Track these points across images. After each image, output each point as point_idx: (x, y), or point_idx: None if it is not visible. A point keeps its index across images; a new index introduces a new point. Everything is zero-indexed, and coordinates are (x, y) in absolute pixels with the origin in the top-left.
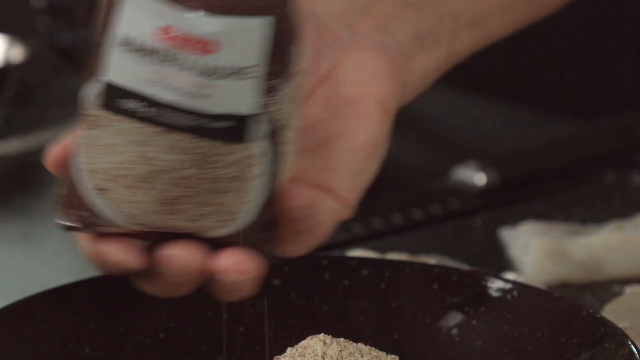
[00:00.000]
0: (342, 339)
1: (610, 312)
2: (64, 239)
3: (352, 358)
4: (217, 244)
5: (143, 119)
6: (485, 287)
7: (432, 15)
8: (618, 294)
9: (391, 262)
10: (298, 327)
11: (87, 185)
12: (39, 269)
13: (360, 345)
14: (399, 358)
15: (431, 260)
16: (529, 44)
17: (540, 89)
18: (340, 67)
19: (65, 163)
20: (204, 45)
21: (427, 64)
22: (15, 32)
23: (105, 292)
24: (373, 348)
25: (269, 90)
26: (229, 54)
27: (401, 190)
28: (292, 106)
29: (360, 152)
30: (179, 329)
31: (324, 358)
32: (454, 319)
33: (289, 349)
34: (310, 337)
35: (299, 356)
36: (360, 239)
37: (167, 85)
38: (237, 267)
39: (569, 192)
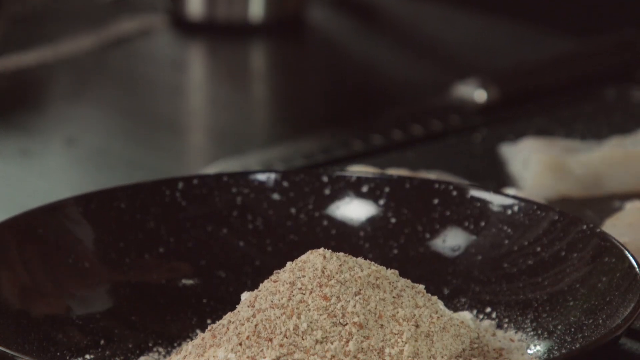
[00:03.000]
0: (341, 254)
1: (611, 226)
2: (63, 154)
3: (351, 272)
4: None
5: None
6: (486, 202)
7: None
8: (618, 209)
9: (391, 178)
10: (298, 242)
11: None
12: (39, 184)
13: (360, 260)
14: (398, 273)
15: (431, 176)
16: None
17: (541, 5)
18: None
19: None
20: None
21: None
22: None
23: (105, 207)
24: (373, 262)
25: None
26: None
27: (401, 107)
28: None
29: None
30: (179, 244)
31: (323, 272)
32: (454, 234)
33: (288, 263)
34: (310, 251)
35: (299, 270)
36: (360, 155)
37: None
38: None
39: (570, 108)
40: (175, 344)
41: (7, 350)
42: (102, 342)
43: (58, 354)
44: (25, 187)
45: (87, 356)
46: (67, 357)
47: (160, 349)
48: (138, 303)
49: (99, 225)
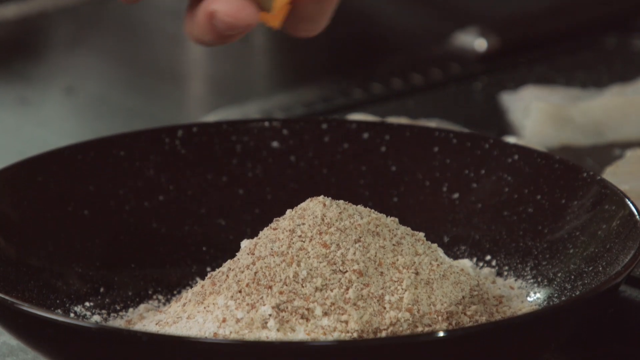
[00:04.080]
0: (341, 201)
1: (611, 174)
2: (62, 103)
3: (351, 220)
4: None
5: None
6: (486, 150)
7: None
8: (618, 157)
9: (391, 125)
10: (297, 190)
11: None
12: (37, 132)
13: (360, 207)
14: (398, 220)
15: (431, 124)
16: None
17: None
18: None
19: None
20: None
21: None
22: None
23: (104, 155)
24: (372, 210)
25: None
26: None
27: (401, 55)
28: None
29: None
30: (178, 192)
31: (323, 220)
32: (454, 181)
33: (288, 211)
34: (309, 199)
35: (299, 218)
36: (360, 104)
37: None
38: (230, 10)
39: (570, 56)
40: (175, 292)
41: (7, 298)
42: (101, 289)
43: (57, 301)
44: (23, 135)
45: (87, 304)
46: (67, 305)
47: (160, 297)
48: (137, 251)
49: (98, 173)
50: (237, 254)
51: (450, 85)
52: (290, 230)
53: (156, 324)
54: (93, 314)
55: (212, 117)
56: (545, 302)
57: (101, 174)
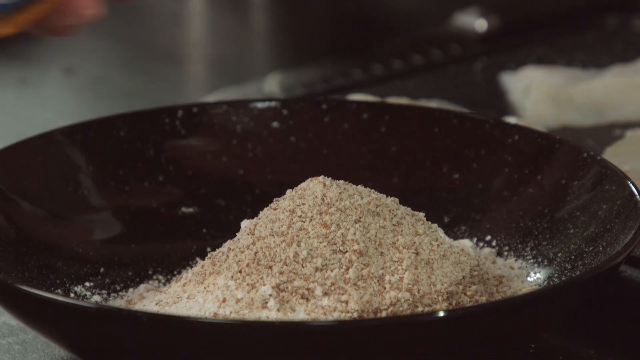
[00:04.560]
0: (341, 182)
1: (612, 154)
2: (62, 83)
3: (351, 200)
4: None
5: None
6: (486, 130)
7: None
8: (619, 137)
9: (391, 106)
10: (297, 170)
11: None
12: (37, 113)
13: (360, 188)
14: (399, 201)
15: (432, 104)
16: None
17: None
18: None
19: None
20: None
21: None
22: None
23: (104, 135)
24: (373, 190)
25: None
26: None
27: (402, 36)
28: None
29: None
30: (178, 172)
31: (323, 200)
32: (455, 162)
33: (288, 191)
34: (309, 179)
35: (299, 198)
36: (360, 84)
37: None
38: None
39: (571, 36)
40: (175, 272)
41: (7, 278)
42: (101, 269)
43: (57, 281)
44: (23, 115)
45: (87, 284)
46: (67, 285)
47: (160, 277)
48: (137, 231)
49: (98, 154)
50: (237, 234)
51: (450, 65)
52: (290, 211)
53: (156, 304)
54: (93, 294)
55: (212, 98)
56: (546, 282)
57: (101, 154)
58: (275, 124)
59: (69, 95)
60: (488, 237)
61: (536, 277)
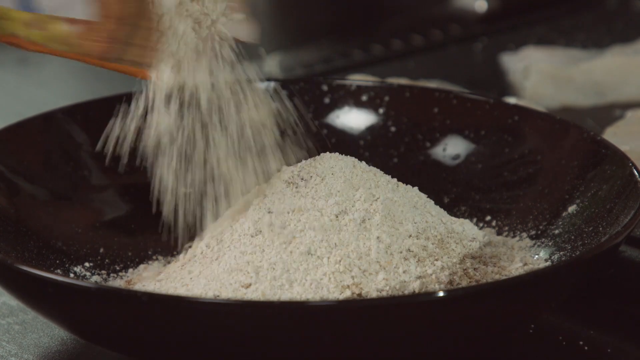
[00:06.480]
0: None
1: (612, 135)
2: (61, 64)
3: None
4: None
5: None
6: (486, 111)
7: None
8: (619, 117)
9: (391, 86)
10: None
11: None
12: (36, 93)
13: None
14: (398, 180)
15: (431, 85)
16: None
17: None
18: None
19: None
20: None
21: None
22: None
23: (103, 115)
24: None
25: None
26: None
27: (401, 17)
28: None
29: None
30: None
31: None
32: (454, 142)
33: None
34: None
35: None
36: (360, 65)
37: None
38: None
39: (571, 17)
40: (174, 252)
41: (7, 258)
42: (101, 250)
43: (57, 261)
44: (23, 95)
45: (87, 264)
46: (67, 265)
47: (160, 257)
48: (137, 212)
49: (97, 134)
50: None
51: (450, 46)
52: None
53: (156, 284)
54: (93, 274)
55: None
56: (546, 263)
57: (100, 134)
58: (275, 105)
59: (68, 75)
60: (488, 217)
61: (536, 257)
